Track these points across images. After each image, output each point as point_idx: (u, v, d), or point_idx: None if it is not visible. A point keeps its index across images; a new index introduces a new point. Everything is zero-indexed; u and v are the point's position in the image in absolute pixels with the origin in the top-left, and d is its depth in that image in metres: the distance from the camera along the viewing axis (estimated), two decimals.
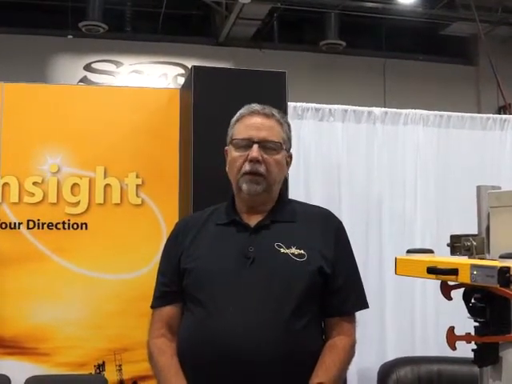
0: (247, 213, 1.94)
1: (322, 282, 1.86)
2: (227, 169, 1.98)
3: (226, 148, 2.00)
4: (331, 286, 1.88)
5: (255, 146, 1.88)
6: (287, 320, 1.78)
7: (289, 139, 1.99)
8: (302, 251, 1.85)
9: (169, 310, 1.93)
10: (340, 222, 2.02)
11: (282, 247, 1.86)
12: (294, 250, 1.85)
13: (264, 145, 1.89)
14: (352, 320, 1.94)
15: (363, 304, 1.97)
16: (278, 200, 1.98)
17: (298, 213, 1.98)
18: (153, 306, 1.98)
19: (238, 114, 1.98)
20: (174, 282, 1.93)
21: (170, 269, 1.95)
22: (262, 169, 1.88)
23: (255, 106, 1.95)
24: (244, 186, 1.89)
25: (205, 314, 1.81)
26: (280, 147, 1.93)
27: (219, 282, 1.83)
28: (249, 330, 1.75)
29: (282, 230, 1.91)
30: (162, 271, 2.00)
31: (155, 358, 1.88)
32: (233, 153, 1.93)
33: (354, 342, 1.92)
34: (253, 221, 1.93)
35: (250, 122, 1.92)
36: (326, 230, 1.94)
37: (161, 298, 1.96)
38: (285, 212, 1.96)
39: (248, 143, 1.90)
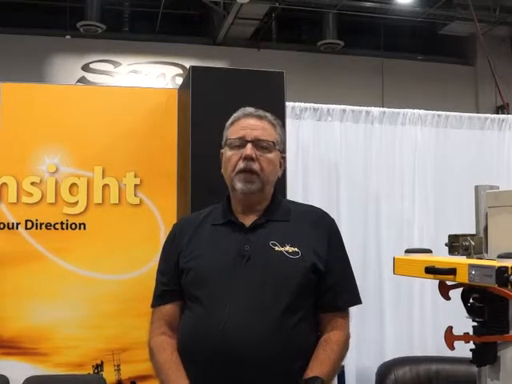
0: (242, 213, 1.98)
1: (315, 279, 1.90)
2: (222, 170, 2.02)
3: (222, 151, 2.03)
4: (325, 282, 1.92)
5: (249, 145, 1.93)
6: (282, 316, 1.82)
7: (282, 141, 2.04)
8: (296, 249, 1.89)
9: (168, 309, 1.97)
10: (333, 221, 2.06)
11: (276, 245, 1.90)
12: (288, 248, 1.89)
13: (257, 143, 1.94)
14: (346, 315, 1.97)
15: (356, 300, 2.01)
16: (272, 200, 2.02)
17: (292, 212, 2.02)
18: (153, 305, 2.02)
19: (232, 117, 2.03)
20: (173, 281, 1.96)
21: (168, 268, 1.99)
22: (255, 166, 1.92)
23: (249, 109, 2.01)
24: (238, 185, 1.93)
25: (203, 311, 1.85)
26: (273, 146, 1.97)
27: (216, 279, 1.87)
28: (245, 326, 1.79)
29: (277, 228, 1.95)
30: (161, 271, 2.04)
31: (156, 356, 1.91)
32: (227, 153, 1.97)
33: (347, 336, 1.95)
34: (248, 220, 1.96)
35: (243, 123, 1.97)
36: (319, 229, 1.98)
37: (160, 297, 2.00)
38: (279, 211, 2.00)
39: (242, 142, 1.94)
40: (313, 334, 1.92)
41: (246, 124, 1.97)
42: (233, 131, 1.98)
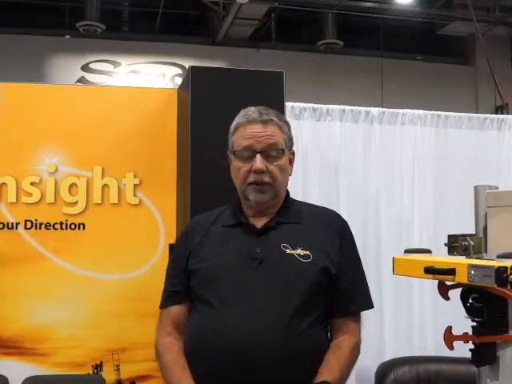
0: (254, 216, 1.96)
1: (327, 282, 1.88)
2: (232, 176, 1.99)
3: (229, 154, 2.00)
4: (337, 286, 1.89)
5: (258, 157, 1.88)
6: (291, 319, 1.79)
7: (289, 138, 1.99)
8: (308, 252, 1.87)
9: (176, 310, 1.96)
10: (346, 223, 2.03)
11: (287, 248, 1.87)
12: (299, 251, 1.87)
13: (266, 153, 1.89)
14: (357, 320, 1.95)
15: (368, 304, 1.99)
16: (284, 202, 1.99)
17: (304, 214, 1.99)
18: (161, 307, 2.01)
19: (235, 121, 1.97)
20: (182, 282, 1.95)
21: (178, 270, 1.98)
22: (267, 178, 1.89)
23: (252, 114, 1.93)
24: (251, 196, 1.91)
25: (211, 315, 1.83)
26: (282, 153, 1.93)
27: (226, 282, 1.85)
28: (254, 329, 1.77)
29: (288, 231, 1.93)
30: (170, 272, 2.03)
31: (161, 356, 1.91)
32: (236, 163, 1.94)
33: (359, 341, 1.93)
34: (259, 223, 1.94)
35: (249, 132, 1.91)
36: (331, 231, 1.95)
37: (169, 298, 1.99)
38: (291, 213, 1.97)
39: (250, 154, 1.89)
40: (324, 339, 1.90)
41: (252, 132, 1.90)
42: (239, 140, 1.93)
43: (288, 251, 1.87)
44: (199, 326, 1.87)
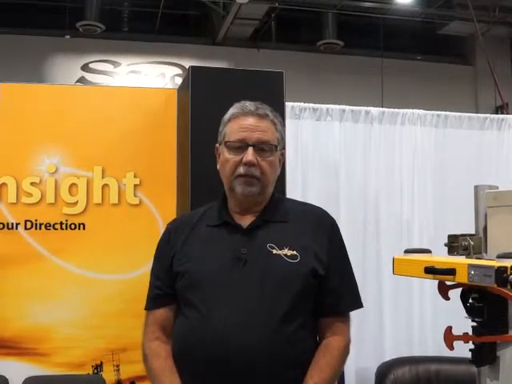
0: (240, 213, 1.92)
1: (315, 283, 1.84)
2: (218, 167, 1.96)
3: (217, 146, 1.98)
4: (325, 286, 1.86)
5: (250, 149, 1.85)
6: (280, 322, 1.76)
7: (282, 138, 1.97)
8: (295, 252, 1.83)
9: (162, 313, 1.92)
10: (333, 221, 1.99)
11: (274, 248, 1.83)
12: (286, 251, 1.83)
13: (259, 147, 1.87)
14: (346, 320, 1.92)
15: (357, 304, 1.95)
16: (270, 200, 1.95)
17: (291, 212, 1.95)
18: (147, 308, 1.97)
19: (229, 112, 1.95)
20: (167, 285, 1.91)
21: (162, 271, 1.93)
22: (256, 172, 1.86)
23: (248, 106, 1.92)
24: (238, 188, 1.87)
25: (198, 317, 1.80)
26: (274, 149, 1.90)
27: (212, 284, 1.81)
28: (242, 332, 1.74)
29: (275, 230, 1.88)
30: (155, 273, 1.98)
31: (150, 362, 1.88)
32: (226, 154, 1.90)
33: (348, 342, 1.90)
34: (245, 221, 1.90)
35: (243, 123, 1.89)
36: (319, 230, 1.91)
37: (154, 301, 1.95)
38: (277, 212, 1.93)
39: (242, 145, 1.87)
40: (312, 340, 1.87)
41: (247, 124, 1.88)
42: (232, 131, 1.90)
43: (274, 251, 1.83)
44: (185, 331, 1.83)
